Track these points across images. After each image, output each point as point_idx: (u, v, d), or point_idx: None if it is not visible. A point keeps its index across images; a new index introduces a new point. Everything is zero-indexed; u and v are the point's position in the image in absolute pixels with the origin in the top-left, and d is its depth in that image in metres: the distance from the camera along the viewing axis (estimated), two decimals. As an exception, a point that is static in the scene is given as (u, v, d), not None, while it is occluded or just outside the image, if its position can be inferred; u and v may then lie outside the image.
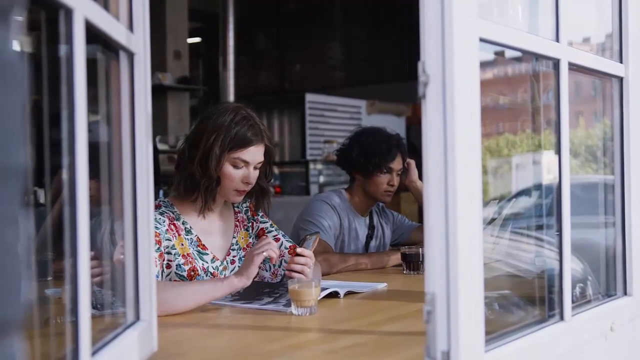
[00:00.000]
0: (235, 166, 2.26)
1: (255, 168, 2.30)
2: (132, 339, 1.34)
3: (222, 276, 2.31)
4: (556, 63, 1.58)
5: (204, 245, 2.31)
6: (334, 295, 2.20)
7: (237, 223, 2.45)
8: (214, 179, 2.25)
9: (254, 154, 2.28)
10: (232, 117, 2.25)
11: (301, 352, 1.62)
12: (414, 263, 2.75)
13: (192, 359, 1.62)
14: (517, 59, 1.80)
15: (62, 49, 1.06)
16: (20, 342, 0.63)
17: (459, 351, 1.20)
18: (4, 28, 0.59)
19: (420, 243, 3.01)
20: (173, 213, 2.28)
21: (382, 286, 2.44)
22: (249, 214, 2.50)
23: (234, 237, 2.42)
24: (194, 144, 2.27)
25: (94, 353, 1.13)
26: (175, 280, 2.22)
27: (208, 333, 1.83)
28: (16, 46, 0.62)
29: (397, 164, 3.12)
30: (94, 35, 1.15)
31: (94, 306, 1.31)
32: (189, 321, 1.93)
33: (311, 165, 7.68)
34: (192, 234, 2.30)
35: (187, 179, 2.27)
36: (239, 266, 2.36)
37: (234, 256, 2.40)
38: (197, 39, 10.51)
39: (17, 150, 0.61)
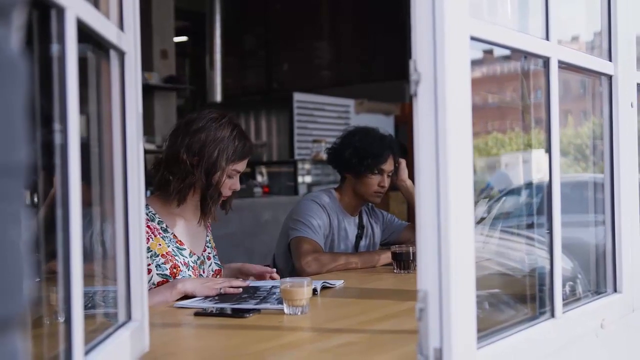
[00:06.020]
0: (229, 176, 2.41)
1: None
2: (124, 338, 1.34)
3: (201, 270, 2.45)
4: (546, 61, 1.59)
5: (180, 241, 2.41)
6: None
7: (208, 224, 2.58)
8: (218, 190, 2.38)
9: (245, 164, 2.46)
10: (230, 130, 2.38)
11: (294, 351, 1.62)
12: (404, 262, 2.75)
13: (184, 358, 1.62)
14: (506, 57, 1.81)
15: (54, 48, 1.05)
16: (22, 339, 0.63)
17: (452, 348, 1.20)
18: (4, 27, 0.59)
19: (410, 242, 3.02)
20: (147, 214, 2.32)
21: (339, 283, 2.47)
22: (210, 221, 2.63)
23: (207, 236, 2.56)
24: (192, 154, 2.34)
25: (86, 353, 1.12)
26: (158, 282, 2.29)
27: (200, 333, 1.83)
28: (17, 45, 0.62)
29: (388, 166, 3.12)
30: (84, 34, 1.15)
31: (85, 306, 1.31)
32: (181, 321, 1.93)
33: (299, 165, 7.66)
34: (168, 232, 2.39)
35: (187, 187, 2.36)
36: (214, 262, 2.53)
37: (209, 253, 2.54)
38: (183, 38, 10.50)
39: (20, 148, 0.61)
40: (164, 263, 2.31)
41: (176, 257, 2.35)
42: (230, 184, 2.41)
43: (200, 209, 2.42)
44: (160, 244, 2.33)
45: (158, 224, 2.37)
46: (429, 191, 1.22)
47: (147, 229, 2.29)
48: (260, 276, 2.53)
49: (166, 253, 2.33)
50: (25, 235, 0.63)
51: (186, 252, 2.40)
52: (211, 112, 2.42)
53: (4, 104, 0.58)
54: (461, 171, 1.24)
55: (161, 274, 2.29)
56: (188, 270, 2.36)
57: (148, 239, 2.28)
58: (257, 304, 2.05)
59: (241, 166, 2.42)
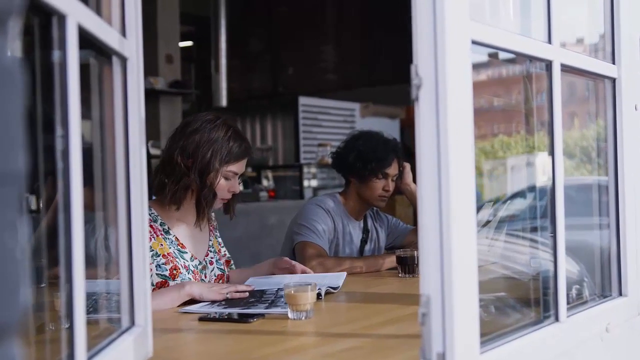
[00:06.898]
0: (226, 178, 2.40)
1: (239, 178, 2.46)
2: (128, 344, 1.34)
3: (203, 275, 2.44)
4: (549, 64, 1.58)
5: (182, 244, 2.41)
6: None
7: (211, 228, 2.59)
8: (212, 191, 2.37)
9: (243, 166, 2.45)
10: (224, 131, 2.38)
11: (298, 355, 1.62)
12: (409, 266, 2.75)
13: (188, 364, 1.62)
14: (511, 61, 1.80)
15: (55, 54, 1.05)
16: (19, 345, 0.64)
17: (454, 353, 1.20)
18: (1, 35, 0.60)
19: (414, 246, 3.01)
20: (150, 215, 2.32)
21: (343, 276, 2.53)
22: (216, 223, 2.64)
23: (210, 240, 2.55)
24: (187, 156, 2.35)
25: (89, 358, 1.12)
26: (157, 282, 2.30)
27: (203, 338, 1.83)
28: (14, 53, 0.62)
29: (393, 170, 3.11)
30: (86, 40, 1.15)
31: (88, 311, 1.31)
32: (184, 327, 1.93)
33: (305, 169, 7.66)
34: (170, 234, 2.39)
35: (182, 189, 2.36)
36: (217, 267, 2.52)
37: (211, 257, 2.53)
38: (189, 43, 10.50)
39: (17, 156, 0.61)
40: (165, 264, 2.31)
41: (177, 259, 2.35)
42: (228, 186, 2.40)
43: (196, 211, 2.42)
44: (162, 244, 2.34)
45: (160, 225, 2.37)
46: (431, 195, 1.21)
47: (149, 228, 2.30)
48: (291, 270, 2.54)
49: (167, 254, 2.33)
50: (23, 242, 0.63)
51: (187, 256, 2.40)
52: (207, 115, 2.42)
53: (1, 112, 0.58)
54: (463, 175, 1.24)
55: (161, 275, 2.30)
56: (188, 273, 2.36)
57: (150, 238, 2.28)
58: (266, 308, 2.05)
59: (237, 167, 2.41)
